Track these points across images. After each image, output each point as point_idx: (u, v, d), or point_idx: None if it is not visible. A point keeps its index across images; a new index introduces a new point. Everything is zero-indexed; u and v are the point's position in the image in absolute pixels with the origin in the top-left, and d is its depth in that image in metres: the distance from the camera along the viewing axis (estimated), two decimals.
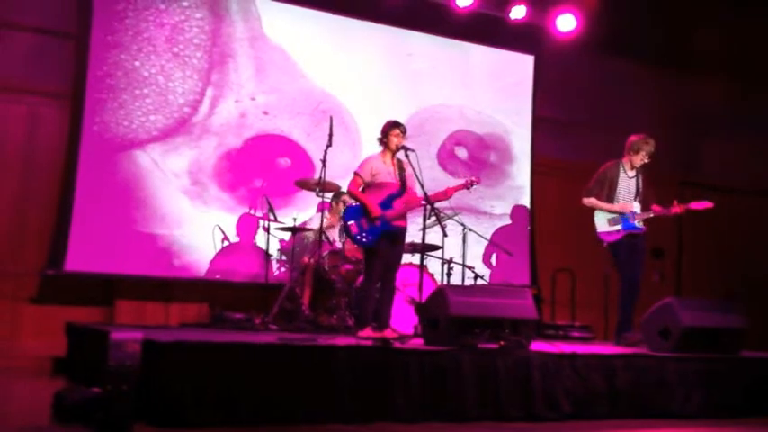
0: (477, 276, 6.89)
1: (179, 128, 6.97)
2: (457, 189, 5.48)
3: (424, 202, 5.33)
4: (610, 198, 5.89)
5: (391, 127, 5.38)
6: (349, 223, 5.26)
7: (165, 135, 6.91)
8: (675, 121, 8.97)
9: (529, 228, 8.47)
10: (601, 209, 5.90)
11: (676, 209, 5.78)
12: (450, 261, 6.58)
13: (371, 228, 5.23)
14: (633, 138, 5.93)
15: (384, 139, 5.38)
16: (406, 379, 4.09)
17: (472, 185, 5.52)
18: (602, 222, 5.91)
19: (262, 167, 7.20)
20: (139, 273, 6.64)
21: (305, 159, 7.36)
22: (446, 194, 5.45)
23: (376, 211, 5.23)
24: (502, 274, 7.83)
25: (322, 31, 7.59)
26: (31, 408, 4.07)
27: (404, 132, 5.40)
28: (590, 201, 5.95)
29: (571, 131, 8.94)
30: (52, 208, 6.53)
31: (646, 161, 5.90)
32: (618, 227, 5.81)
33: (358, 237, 5.24)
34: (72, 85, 6.66)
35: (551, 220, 8.64)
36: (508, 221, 8.34)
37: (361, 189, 5.35)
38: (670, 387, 4.75)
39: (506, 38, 8.36)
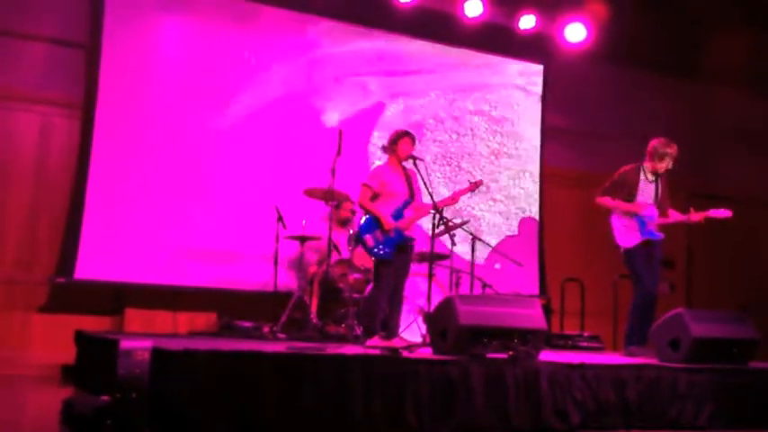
0: (485, 286, 6.88)
1: (190, 137, 7.00)
2: (463, 192, 5.51)
3: (432, 211, 5.33)
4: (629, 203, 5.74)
5: (401, 136, 5.39)
6: (365, 237, 5.24)
7: (176, 145, 6.95)
8: (687, 131, 8.92)
9: (538, 237, 8.45)
10: (615, 208, 5.74)
11: (695, 216, 5.68)
12: (459, 270, 6.58)
13: (387, 239, 5.22)
14: (655, 142, 5.74)
15: (393, 148, 5.38)
16: (415, 388, 4.08)
17: (477, 187, 5.52)
18: (620, 226, 5.78)
19: (272, 177, 7.23)
20: (149, 281, 6.67)
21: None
22: (453, 199, 5.46)
23: (389, 223, 5.22)
24: (511, 284, 7.81)
25: (328, 38, 7.62)
26: (41, 416, 4.08)
27: (414, 142, 5.41)
28: (604, 200, 5.79)
29: (581, 141, 8.93)
30: (63, 216, 6.56)
31: (670, 167, 5.76)
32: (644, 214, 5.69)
33: (375, 250, 5.22)
34: (83, 94, 6.72)
35: (560, 230, 8.62)
36: (517, 231, 8.33)
37: (370, 199, 5.35)
38: (681, 398, 4.71)
39: (516, 47, 8.38)
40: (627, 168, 5.85)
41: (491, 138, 8.33)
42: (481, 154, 8.24)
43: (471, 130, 8.22)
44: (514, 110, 8.49)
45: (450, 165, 8.09)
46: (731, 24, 8.46)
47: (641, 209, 5.70)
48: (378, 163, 5.50)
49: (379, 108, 7.82)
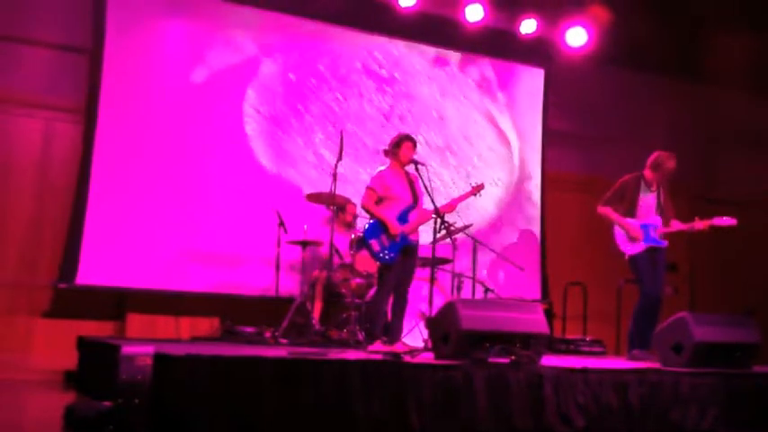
0: (487, 290, 6.87)
1: (191, 142, 7.01)
2: (463, 198, 5.51)
3: (434, 216, 5.33)
4: (630, 213, 5.79)
5: (403, 140, 5.39)
6: (370, 242, 5.23)
7: (178, 149, 6.95)
8: (690, 134, 8.93)
9: (540, 242, 8.44)
10: (616, 223, 5.82)
11: (699, 224, 5.73)
12: (461, 275, 6.57)
13: (392, 244, 5.22)
14: (657, 153, 5.85)
15: (395, 152, 5.38)
16: (416, 393, 4.07)
17: (479, 191, 5.53)
18: (622, 234, 5.82)
19: (273, 180, 7.23)
20: (151, 287, 6.67)
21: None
22: (454, 204, 5.47)
23: (396, 228, 5.21)
24: (513, 288, 7.80)
25: (329, 42, 7.61)
26: (43, 421, 4.08)
27: (415, 146, 5.41)
28: (605, 210, 5.86)
29: (583, 145, 8.93)
30: (65, 221, 6.57)
31: (664, 179, 5.82)
32: (638, 239, 5.74)
33: (380, 254, 5.21)
34: (86, 100, 6.73)
35: (562, 234, 8.61)
36: (519, 235, 8.32)
37: (374, 203, 5.34)
38: (684, 402, 4.70)
39: (517, 52, 8.38)
40: (626, 178, 5.91)
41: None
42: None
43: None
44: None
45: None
46: (733, 26, 8.44)
47: (639, 228, 5.73)
48: (381, 168, 5.50)
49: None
